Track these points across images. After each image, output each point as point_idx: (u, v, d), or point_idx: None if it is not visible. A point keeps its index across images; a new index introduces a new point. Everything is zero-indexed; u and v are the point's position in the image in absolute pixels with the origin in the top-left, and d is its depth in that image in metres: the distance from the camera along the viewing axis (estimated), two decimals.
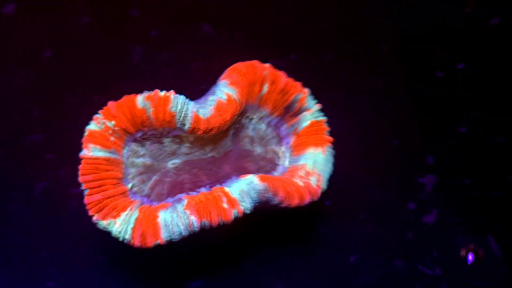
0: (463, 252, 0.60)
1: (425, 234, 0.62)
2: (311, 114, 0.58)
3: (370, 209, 0.63)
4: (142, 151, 0.55)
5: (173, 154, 0.56)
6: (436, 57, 0.74)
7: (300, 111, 0.58)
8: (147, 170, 0.55)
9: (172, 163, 0.56)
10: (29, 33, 0.73)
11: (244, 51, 0.71)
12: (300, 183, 0.54)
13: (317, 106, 0.58)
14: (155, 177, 0.55)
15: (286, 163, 0.59)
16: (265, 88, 0.57)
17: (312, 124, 0.58)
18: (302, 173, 0.56)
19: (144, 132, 0.53)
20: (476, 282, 0.59)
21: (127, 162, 0.54)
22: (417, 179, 0.65)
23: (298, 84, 0.58)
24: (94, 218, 0.50)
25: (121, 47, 0.72)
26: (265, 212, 0.56)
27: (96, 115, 0.52)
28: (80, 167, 0.51)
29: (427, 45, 0.75)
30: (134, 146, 0.54)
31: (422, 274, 0.59)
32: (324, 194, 0.56)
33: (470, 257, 0.59)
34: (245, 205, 0.50)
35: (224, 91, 0.53)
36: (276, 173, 0.58)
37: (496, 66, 0.72)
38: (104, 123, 0.51)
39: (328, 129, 0.58)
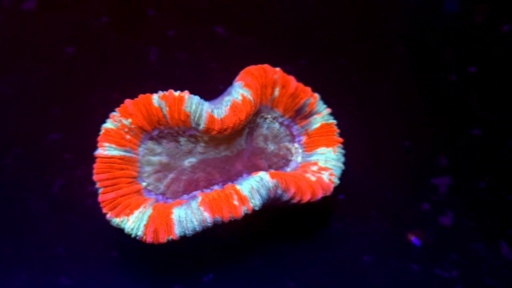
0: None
1: (440, 235, 0.61)
2: (321, 117, 0.59)
3: (382, 208, 0.63)
4: (159, 149, 0.55)
5: (190, 152, 0.56)
6: (448, 61, 0.75)
7: (310, 114, 0.59)
8: (164, 168, 0.55)
9: (188, 161, 0.56)
10: (49, 31, 0.74)
11: (257, 55, 0.72)
12: (313, 178, 0.55)
13: (327, 110, 0.59)
14: (171, 175, 0.55)
15: (299, 159, 0.59)
16: (277, 91, 0.57)
17: (322, 126, 0.59)
18: (315, 168, 0.57)
19: (161, 130, 0.54)
20: (492, 283, 0.59)
21: (143, 160, 0.54)
22: (431, 180, 0.65)
23: (308, 89, 0.58)
24: (108, 215, 0.51)
25: (139, 46, 0.73)
26: (278, 207, 0.56)
27: (113, 113, 0.52)
28: (94, 166, 0.52)
29: (439, 50, 0.76)
30: (150, 144, 0.54)
31: (438, 276, 0.59)
32: (337, 190, 0.57)
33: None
34: (255, 202, 0.50)
35: (240, 92, 0.54)
36: (288, 169, 0.59)
37: (509, 70, 0.73)
38: (120, 121, 0.52)
39: (338, 131, 0.59)
